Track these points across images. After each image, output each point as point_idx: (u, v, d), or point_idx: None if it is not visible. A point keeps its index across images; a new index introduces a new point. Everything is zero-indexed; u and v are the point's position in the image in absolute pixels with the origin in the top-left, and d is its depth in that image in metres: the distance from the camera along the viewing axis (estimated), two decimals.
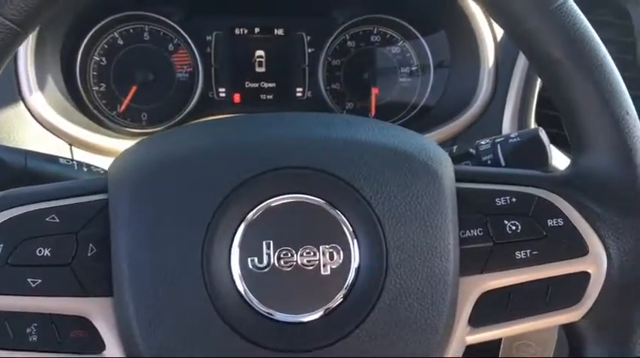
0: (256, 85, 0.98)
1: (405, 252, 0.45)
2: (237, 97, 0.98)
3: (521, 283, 0.49)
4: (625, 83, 0.78)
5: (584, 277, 0.49)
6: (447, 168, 0.48)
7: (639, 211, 0.49)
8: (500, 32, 0.83)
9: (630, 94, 0.78)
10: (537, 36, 0.50)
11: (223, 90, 0.97)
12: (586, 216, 0.50)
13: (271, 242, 0.44)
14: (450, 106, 0.90)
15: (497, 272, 0.49)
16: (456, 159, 0.67)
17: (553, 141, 0.78)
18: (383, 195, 0.45)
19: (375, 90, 0.99)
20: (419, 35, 0.97)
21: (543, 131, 0.64)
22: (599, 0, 0.79)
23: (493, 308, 0.49)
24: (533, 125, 0.79)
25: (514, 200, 0.50)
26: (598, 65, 0.49)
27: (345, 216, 0.45)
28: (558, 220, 0.49)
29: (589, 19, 0.80)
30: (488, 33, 0.83)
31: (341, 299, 0.44)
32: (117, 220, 0.44)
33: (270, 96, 0.99)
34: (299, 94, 0.99)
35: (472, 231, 0.49)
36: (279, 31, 0.99)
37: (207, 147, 0.46)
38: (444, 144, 0.85)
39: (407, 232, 0.45)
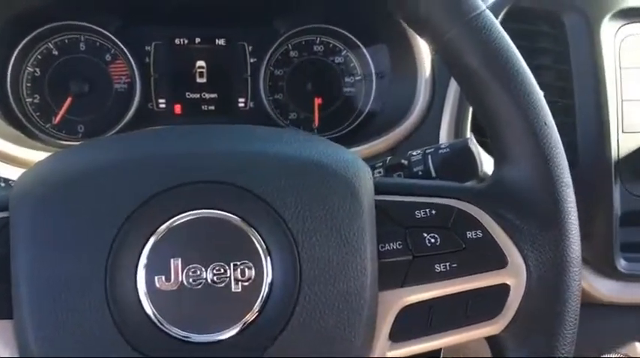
0: (197, 95, 0.97)
1: (320, 267, 0.44)
2: (177, 108, 0.97)
3: (442, 296, 0.49)
4: (559, 92, 0.80)
5: (503, 289, 0.49)
6: (365, 180, 0.48)
7: (557, 223, 0.49)
8: None
9: (564, 103, 0.79)
10: (455, 47, 0.50)
11: (163, 101, 0.96)
12: (505, 227, 0.50)
13: (179, 259, 0.43)
14: (391, 116, 0.90)
15: (417, 285, 0.48)
16: (388, 170, 0.67)
17: (490, 151, 0.78)
18: (297, 209, 0.45)
19: (318, 100, 0.99)
20: (361, 45, 0.97)
21: (474, 141, 0.65)
22: (536, 10, 0.80)
23: (414, 322, 0.49)
24: (469, 134, 0.79)
25: (434, 212, 0.50)
26: (515, 76, 0.49)
27: (257, 232, 0.44)
28: (477, 232, 0.49)
29: (526, 30, 0.81)
30: (425, 43, 0.83)
31: (254, 316, 0.43)
32: (17, 238, 0.42)
33: (211, 107, 0.98)
34: (241, 105, 0.98)
35: (391, 244, 0.49)
36: (221, 41, 0.98)
37: (114, 161, 0.45)
38: (383, 154, 0.85)
39: (321, 247, 0.45)
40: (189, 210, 0.43)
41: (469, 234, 0.49)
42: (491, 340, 0.51)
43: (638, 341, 0.86)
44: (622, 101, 0.77)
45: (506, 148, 0.51)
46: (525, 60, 0.80)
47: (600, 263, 0.78)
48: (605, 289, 0.80)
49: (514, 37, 0.80)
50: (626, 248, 0.80)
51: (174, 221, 0.43)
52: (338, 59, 1.00)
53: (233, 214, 0.44)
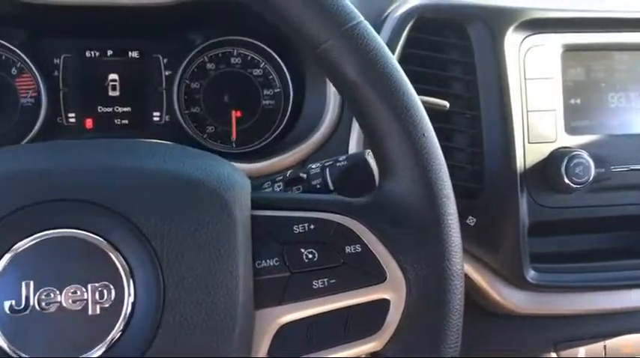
0: (110, 109, 0.95)
1: (186, 286, 0.43)
2: (89, 123, 0.94)
3: (321, 313, 0.48)
4: (468, 104, 0.80)
5: (383, 304, 0.49)
6: (240, 194, 0.47)
7: (437, 236, 0.49)
8: None
9: (471, 114, 0.80)
10: (332, 57, 0.49)
11: (73, 115, 0.93)
12: (384, 241, 0.49)
13: (31, 282, 0.41)
14: (306, 128, 0.89)
15: (295, 303, 0.47)
16: (288, 184, 0.66)
17: None
18: (162, 226, 0.43)
19: (236, 113, 0.98)
20: (277, 57, 0.97)
21: (372, 154, 0.64)
22: (443, 21, 0.81)
23: (293, 340, 0.48)
24: None
25: (312, 227, 0.49)
26: (392, 88, 0.49)
27: (118, 251, 0.43)
28: (356, 246, 0.49)
29: (436, 41, 0.82)
30: None
31: (117, 337, 0.42)
32: None
33: (125, 121, 0.96)
34: (156, 119, 0.96)
35: (268, 261, 0.48)
36: (134, 54, 0.96)
37: None
38: (294, 166, 0.84)
39: (189, 265, 0.43)
40: (42, 230, 0.42)
41: (348, 249, 0.49)
42: (373, 356, 0.50)
43: (554, 352, 0.86)
44: (527, 112, 0.78)
45: (387, 161, 0.50)
46: (436, 71, 0.81)
47: (509, 274, 0.78)
48: (516, 300, 0.80)
49: (425, 48, 0.81)
50: (535, 258, 0.80)
51: (26, 242, 0.41)
52: (256, 71, 0.99)
53: (91, 233, 0.42)
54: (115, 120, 0.95)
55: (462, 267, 0.50)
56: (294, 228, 0.49)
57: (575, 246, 0.83)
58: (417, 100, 0.50)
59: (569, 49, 0.80)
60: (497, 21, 0.77)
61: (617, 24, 0.81)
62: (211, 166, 0.47)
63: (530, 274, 0.79)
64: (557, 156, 0.76)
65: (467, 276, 0.80)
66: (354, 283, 0.48)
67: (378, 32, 0.81)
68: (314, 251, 0.48)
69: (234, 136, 0.98)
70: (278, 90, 0.99)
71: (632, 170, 0.81)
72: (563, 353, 0.86)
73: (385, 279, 0.49)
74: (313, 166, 0.66)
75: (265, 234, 0.48)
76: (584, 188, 0.77)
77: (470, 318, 0.87)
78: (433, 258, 0.49)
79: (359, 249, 0.49)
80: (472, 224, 0.77)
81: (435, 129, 0.79)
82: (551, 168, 0.76)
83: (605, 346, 0.87)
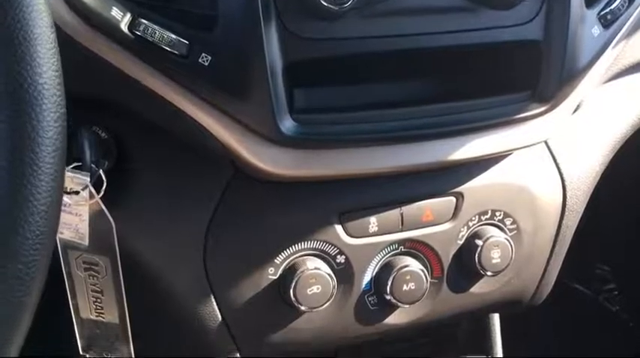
0: None
1: None
2: None
3: None
4: None
5: None
6: None
7: None
8: None
9: None
10: None
11: None
12: None
13: None
14: None
15: None
16: None
17: None
18: None
19: None
20: None
21: None
22: None
23: None
24: None
25: None
26: None
27: None
28: None
29: None
30: None
31: None
32: None
33: None
34: None
35: None
36: None
37: None
38: None
39: None
40: None
41: None
42: None
43: (340, 224, 0.74)
44: None
45: None
46: None
47: (259, 126, 0.63)
48: (274, 159, 0.65)
49: None
50: (301, 111, 0.66)
51: None
52: None
53: None
54: None
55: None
56: None
57: (356, 96, 0.68)
58: None
59: None
60: None
61: None
62: None
63: (287, 125, 0.64)
64: None
65: (208, 131, 0.65)
66: None
67: None
68: None
69: None
70: None
71: None
72: (352, 226, 0.74)
73: None
74: None
75: None
76: (352, 12, 0.62)
77: (236, 188, 0.74)
78: None
79: None
80: (207, 63, 0.61)
81: None
82: None
83: (402, 214, 0.75)
